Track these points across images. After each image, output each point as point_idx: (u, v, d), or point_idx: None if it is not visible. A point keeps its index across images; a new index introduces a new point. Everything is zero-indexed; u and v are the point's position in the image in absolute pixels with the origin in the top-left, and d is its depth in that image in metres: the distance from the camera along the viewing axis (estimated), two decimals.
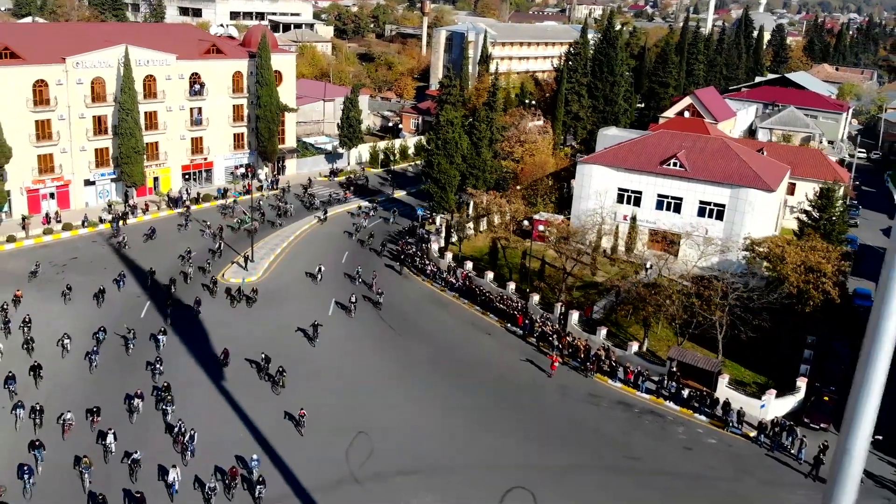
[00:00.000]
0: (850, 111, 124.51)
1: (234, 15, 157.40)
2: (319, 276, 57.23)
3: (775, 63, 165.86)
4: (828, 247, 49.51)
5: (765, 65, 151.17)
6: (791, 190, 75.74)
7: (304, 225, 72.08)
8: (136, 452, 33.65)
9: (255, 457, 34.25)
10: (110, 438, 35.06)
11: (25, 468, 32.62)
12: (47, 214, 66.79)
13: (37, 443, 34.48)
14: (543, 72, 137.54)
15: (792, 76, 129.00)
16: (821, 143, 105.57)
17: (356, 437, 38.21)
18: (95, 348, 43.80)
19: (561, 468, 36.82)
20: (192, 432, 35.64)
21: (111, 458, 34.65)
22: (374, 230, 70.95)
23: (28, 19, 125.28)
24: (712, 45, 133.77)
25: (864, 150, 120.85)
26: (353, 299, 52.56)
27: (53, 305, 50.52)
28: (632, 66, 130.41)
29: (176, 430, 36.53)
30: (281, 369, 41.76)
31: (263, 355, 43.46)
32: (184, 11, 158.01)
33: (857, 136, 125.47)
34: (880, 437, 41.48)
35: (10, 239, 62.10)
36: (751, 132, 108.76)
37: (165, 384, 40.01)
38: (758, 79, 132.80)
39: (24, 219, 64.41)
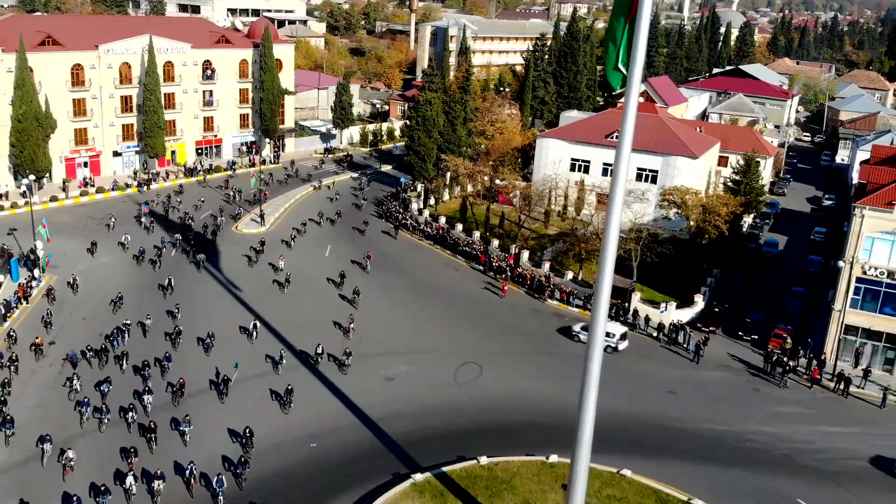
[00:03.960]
0: (796, 99, 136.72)
1: (230, 11, 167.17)
2: (255, 334, 48.70)
3: (739, 56, 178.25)
4: (729, 196, 61.34)
5: (725, 58, 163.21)
6: (724, 162, 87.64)
7: (302, 192, 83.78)
8: None
9: None
10: (130, 480, 32.45)
11: (74, 499, 30.90)
12: (84, 179, 78.10)
13: (102, 488, 32.10)
14: (521, 65, 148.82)
15: (746, 67, 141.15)
16: (765, 126, 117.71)
17: (348, 333, 49.93)
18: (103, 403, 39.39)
19: (502, 352, 48.76)
20: (220, 477, 32.67)
21: (133, 499, 32.46)
22: (367, 195, 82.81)
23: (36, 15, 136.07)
24: (674, 39, 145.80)
25: (808, 135, 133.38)
26: (320, 350, 46.20)
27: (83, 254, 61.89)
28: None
29: (188, 472, 33.73)
30: (289, 387, 40.14)
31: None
32: (183, 8, 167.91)
33: (801, 121, 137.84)
34: (756, 336, 53.66)
35: (53, 199, 73.43)
36: (703, 117, 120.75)
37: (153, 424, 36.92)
38: (715, 70, 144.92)
39: (64, 182, 75.87)
